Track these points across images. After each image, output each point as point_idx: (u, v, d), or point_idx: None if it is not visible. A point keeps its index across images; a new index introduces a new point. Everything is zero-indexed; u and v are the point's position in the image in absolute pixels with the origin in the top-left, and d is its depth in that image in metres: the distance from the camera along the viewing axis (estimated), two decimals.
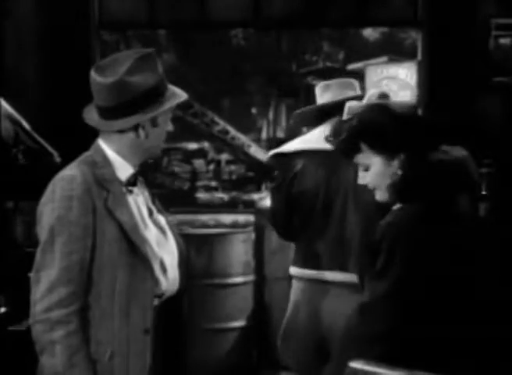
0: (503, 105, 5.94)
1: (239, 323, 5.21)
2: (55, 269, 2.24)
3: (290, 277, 5.31)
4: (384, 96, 2.91)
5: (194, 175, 15.30)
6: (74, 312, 2.24)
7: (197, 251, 5.05)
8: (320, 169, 3.28)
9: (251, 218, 5.60)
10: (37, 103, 5.96)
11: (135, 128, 2.36)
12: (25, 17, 6.08)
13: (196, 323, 4.88)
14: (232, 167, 15.78)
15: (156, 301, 2.38)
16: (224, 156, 16.17)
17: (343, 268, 3.24)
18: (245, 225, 5.57)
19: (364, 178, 2.40)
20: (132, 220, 2.33)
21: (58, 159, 5.00)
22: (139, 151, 2.40)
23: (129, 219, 2.33)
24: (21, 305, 3.33)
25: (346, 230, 3.26)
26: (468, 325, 2.30)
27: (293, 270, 3.52)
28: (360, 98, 3.32)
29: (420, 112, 6.32)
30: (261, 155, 15.02)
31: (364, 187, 2.44)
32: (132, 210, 2.36)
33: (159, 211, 2.52)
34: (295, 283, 3.51)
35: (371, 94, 3.38)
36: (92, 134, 2.52)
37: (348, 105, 3.27)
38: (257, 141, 18.10)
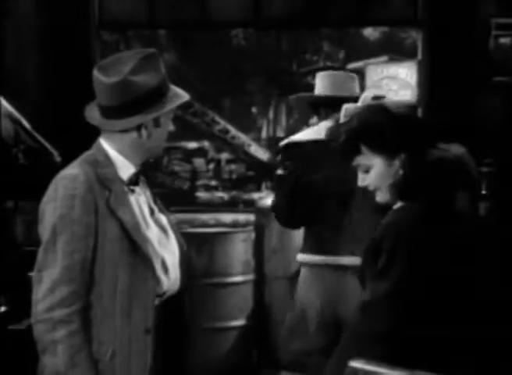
0: (502, 105, 5.94)
1: (239, 322, 5.21)
2: (57, 268, 2.24)
3: (290, 276, 5.32)
4: (378, 97, 2.92)
5: (194, 174, 15.27)
6: (76, 311, 2.25)
7: (197, 251, 5.05)
8: (331, 159, 3.33)
9: (251, 217, 5.60)
10: (38, 102, 5.96)
11: (138, 128, 2.36)
12: (25, 17, 6.08)
13: (196, 323, 4.88)
14: (233, 166, 15.76)
15: (157, 301, 2.38)
16: (224, 155, 16.15)
17: (354, 253, 3.30)
18: (245, 224, 5.57)
19: (364, 180, 2.40)
20: (133, 219, 2.34)
21: (58, 159, 5.00)
22: (141, 150, 2.41)
23: (131, 218, 2.33)
24: (21, 305, 3.34)
25: (356, 216, 3.39)
26: (468, 324, 2.30)
27: (304, 257, 3.54)
28: (354, 99, 3.36)
29: (420, 111, 6.33)
30: (262, 154, 15.03)
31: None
32: (133, 209, 2.36)
33: (161, 210, 2.52)
34: (306, 271, 3.54)
35: (366, 96, 3.40)
36: (92, 134, 2.52)
37: (344, 107, 3.30)
38: (258, 140, 18.09)
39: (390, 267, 2.21)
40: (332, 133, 2.49)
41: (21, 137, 4.89)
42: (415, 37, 7.03)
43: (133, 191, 2.41)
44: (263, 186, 13.94)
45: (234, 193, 13.92)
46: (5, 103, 4.78)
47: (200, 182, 15.09)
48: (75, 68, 5.93)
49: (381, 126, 2.34)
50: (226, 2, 6.45)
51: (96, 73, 2.34)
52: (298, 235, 5.14)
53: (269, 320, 5.35)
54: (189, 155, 15.92)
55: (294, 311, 3.57)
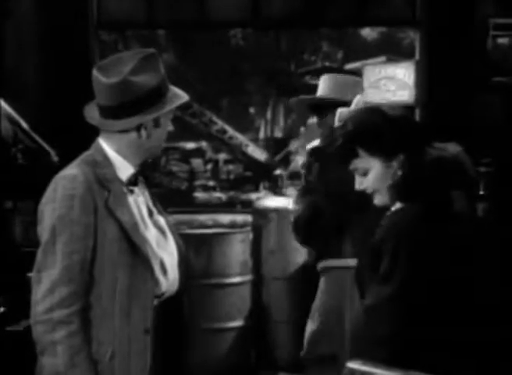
0: (501, 105, 5.94)
1: (237, 323, 5.21)
2: (56, 268, 2.24)
3: (288, 277, 5.32)
4: (370, 101, 2.92)
5: (192, 174, 15.31)
6: (75, 312, 2.24)
7: (196, 252, 5.05)
8: None
9: (249, 218, 5.60)
10: (37, 103, 5.95)
11: (137, 128, 2.36)
12: (25, 17, 6.08)
13: (194, 323, 4.88)
14: (230, 167, 15.79)
15: (156, 302, 2.38)
16: (222, 156, 16.19)
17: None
18: (243, 225, 5.56)
19: (361, 183, 2.38)
20: (132, 220, 2.34)
21: (56, 159, 5.00)
22: (140, 151, 2.40)
23: (130, 218, 2.33)
24: (19, 306, 3.33)
25: (354, 218, 3.38)
26: (469, 326, 2.30)
27: (328, 263, 3.52)
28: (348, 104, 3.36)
29: (418, 112, 6.33)
30: (259, 154, 15.04)
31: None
32: (132, 210, 2.36)
33: (159, 212, 2.52)
34: (331, 276, 3.51)
35: (359, 99, 3.40)
36: (91, 134, 2.52)
37: (339, 111, 3.29)
38: (255, 140, 18.12)
39: (393, 271, 2.19)
40: (328, 137, 2.48)
41: (19, 138, 4.89)
42: (413, 37, 7.04)
43: (132, 192, 2.41)
44: (261, 186, 13.96)
45: (232, 193, 13.94)
46: (3, 104, 4.78)
47: (198, 182, 15.12)
48: (74, 68, 5.93)
49: (377, 129, 2.33)
50: (225, 2, 6.45)
51: (96, 73, 2.34)
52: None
53: (267, 321, 5.35)
54: (187, 156, 15.95)
55: (321, 315, 3.54)
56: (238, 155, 15.02)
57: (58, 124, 5.74)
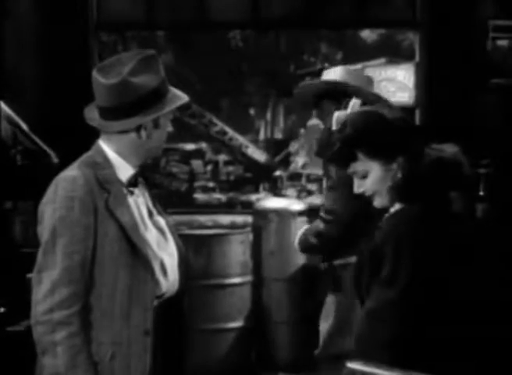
0: (500, 106, 5.95)
1: (237, 324, 5.21)
2: (56, 269, 2.24)
3: (288, 277, 5.32)
4: (366, 103, 2.91)
5: (192, 176, 15.29)
6: (75, 313, 2.24)
7: (195, 252, 5.05)
8: None
9: (249, 219, 5.60)
10: (36, 104, 5.96)
11: (137, 129, 2.36)
12: (24, 18, 6.08)
13: (194, 324, 4.87)
14: (230, 168, 15.78)
15: (156, 302, 2.38)
16: (222, 157, 16.18)
17: None
18: (243, 226, 5.57)
19: (360, 186, 2.37)
20: (132, 221, 2.34)
21: (55, 160, 5.01)
22: (140, 151, 2.41)
23: (130, 219, 2.33)
24: (19, 306, 3.33)
25: None
26: (469, 325, 2.29)
27: (346, 260, 3.50)
28: (363, 95, 3.32)
29: (418, 113, 6.34)
30: (259, 155, 15.03)
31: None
32: (132, 211, 2.36)
33: (159, 213, 2.52)
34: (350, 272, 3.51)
35: (355, 102, 3.38)
36: (91, 135, 2.52)
37: (336, 114, 3.27)
38: (255, 141, 18.11)
39: (395, 274, 2.18)
40: (325, 141, 2.46)
41: (19, 139, 4.90)
42: (413, 39, 7.04)
43: (131, 193, 2.41)
44: (261, 187, 13.97)
45: (232, 194, 13.94)
46: (3, 105, 4.79)
47: (197, 183, 15.12)
48: (73, 69, 5.93)
49: (376, 132, 2.31)
50: (224, 4, 6.46)
51: (95, 74, 2.34)
52: (295, 237, 5.15)
53: (267, 321, 5.35)
54: (187, 157, 15.94)
55: (336, 316, 3.53)
56: (238, 156, 15.00)
57: (58, 125, 5.74)
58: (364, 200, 2.40)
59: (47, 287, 2.23)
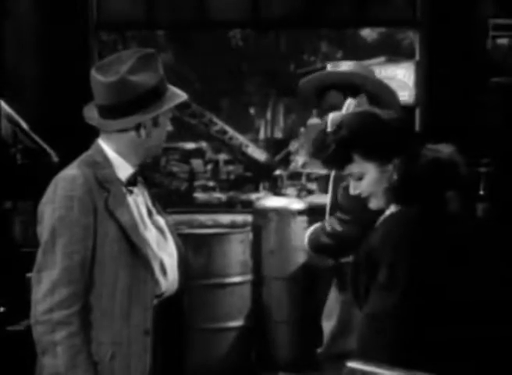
0: (500, 105, 5.95)
1: (237, 323, 5.21)
2: (56, 269, 2.24)
3: (288, 277, 5.32)
4: (361, 104, 2.90)
5: (192, 175, 15.30)
6: (75, 313, 2.24)
7: (195, 252, 5.04)
8: None
9: (249, 218, 5.59)
10: (36, 103, 5.96)
11: (136, 127, 2.35)
12: (24, 18, 6.08)
13: (194, 323, 4.87)
14: (230, 167, 15.80)
15: (155, 301, 2.38)
16: (222, 156, 16.19)
17: None
18: (243, 225, 5.56)
19: (356, 188, 2.35)
20: (131, 220, 2.33)
21: (55, 159, 5.00)
22: (140, 150, 2.40)
23: (129, 218, 2.33)
24: (19, 306, 3.33)
25: None
26: (469, 325, 2.29)
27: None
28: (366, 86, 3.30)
29: (418, 112, 6.34)
30: (259, 155, 15.04)
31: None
32: (132, 210, 2.36)
33: (159, 212, 2.52)
34: None
35: (350, 103, 3.37)
36: (91, 134, 2.52)
37: (330, 116, 3.26)
38: (255, 141, 18.12)
39: (394, 278, 2.16)
40: (319, 143, 2.43)
41: (19, 138, 4.89)
42: (413, 37, 7.04)
43: (131, 192, 2.41)
44: (261, 186, 13.97)
45: (232, 194, 13.95)
46: (3, 104, 4.79)
47: (197, 183, 15.13)
48: (73, 69, 5.93)
49: (372, 133, 2.30)
50: (225, 3, 6.46)
51: (94, 72, 2.34)
52: (295, 236, 5.15)
53: (267, 321, 5.35)
54: (187, 156, 15.95)
55: (339, 316, 3.51)
56: (238, 155, 15.01)
57: (58, 124, 5.74)
58: None
59: (46, 286, 2.23)
